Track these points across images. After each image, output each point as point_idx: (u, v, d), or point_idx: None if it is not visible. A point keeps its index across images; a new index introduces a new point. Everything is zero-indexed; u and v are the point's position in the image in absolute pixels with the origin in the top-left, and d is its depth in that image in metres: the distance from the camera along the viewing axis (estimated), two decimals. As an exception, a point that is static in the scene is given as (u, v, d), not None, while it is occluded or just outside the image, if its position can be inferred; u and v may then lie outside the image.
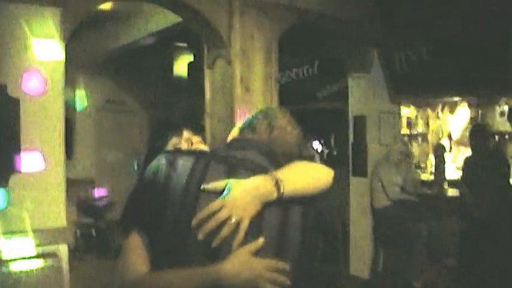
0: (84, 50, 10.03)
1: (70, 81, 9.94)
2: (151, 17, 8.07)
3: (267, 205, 1.86)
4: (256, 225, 1.84)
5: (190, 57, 11.27)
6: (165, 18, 7.59)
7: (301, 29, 7.00)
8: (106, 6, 7.12)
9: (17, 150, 4.71)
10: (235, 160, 1.97)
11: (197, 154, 2.04)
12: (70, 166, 10.08)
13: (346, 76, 8.22)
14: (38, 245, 4.74)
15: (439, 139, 9.76)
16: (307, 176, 2.01)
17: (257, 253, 1.81)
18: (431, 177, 8.98)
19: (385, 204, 7.57)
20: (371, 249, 8.00)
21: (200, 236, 1.77)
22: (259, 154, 2.03)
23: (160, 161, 1.95)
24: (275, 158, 2.05)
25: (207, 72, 6.59)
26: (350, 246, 8.12)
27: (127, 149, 11.35)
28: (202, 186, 1.84)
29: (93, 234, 9.63)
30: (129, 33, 8.92)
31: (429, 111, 9.93)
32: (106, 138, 11.48)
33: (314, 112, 10.31)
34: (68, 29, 5.03)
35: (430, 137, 9.97)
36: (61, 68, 5.01)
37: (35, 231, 4.71)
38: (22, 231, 4.68)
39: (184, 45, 10.93)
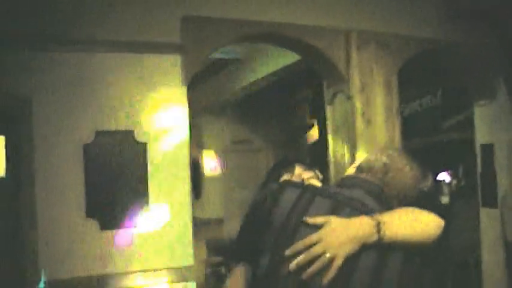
0: (209, 92, 10.35)
1: (196, 123, 10.29)
2: (270, 57, 8.21)
3: (365, 247, 1.81)
4: (350, 265, 1.80)
5: (311, 94, 11.34)
6: (284, 57, 7.70)
7: (422, 59, 6.90)
8: (224, 49, 7.33)
9: (145, 191, 4.92)
10: (342, 197, 1.94)
11: (304, 187, 2.04)
12: (199, 206, 10.37)
13: (471, 104, 7.98)
14: (167, 283, 4.90)
15: None
16: (413, 224, 1.92)
17: None
18: None
19: (518, 236, 7.23)
20: (505, 283, 7.63)
21: (292, 267, 1.77)
22: (367, 194, 1.99)
23: (267, 192, 1.99)
24: (384, 200, 2.01)
25: (327, 108, 6.62)
26: (483, 280, 7.79)
27: (255, 188, 11.47)
28: (303, 218, 1.84)
29: (222, 273, 9.77)
30: (250, 73, 9.11)
31: None
32: (234, 177, 11.68)
33: (440, 143, 10.08)
34: (189, 74, 5.24)
35: None
36: (185, 112, 5.21)
37: (163, 269, 4.89)
38: (151, 270, 4.87)
39: (304, 82, 11.04)
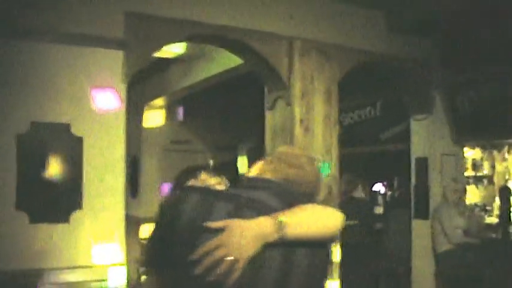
0: (151, 90, 10.30)
1: (136, 121, 10.21)
2: (213, 59, 8.21)
3: (269, 245, 1.86)
4: (256, 264, 1.85)
5: (252, 98, 11.35)
6: (228, 60, 7.71)
7: (362, 70, 7.02)
8: (168, 49, 7.31)
9: (79, 186, 4.87)
10: (243, 200, 1.97)
11: (205, 192, 2.07)
12: (135, 205, 10.28)
13: (408, 117, 8.16)
14: (97, 281, 4.85)
15: (506, 181, 9.52)
16: (314, 220, 1.98)
17: None
18: (497, 221, 8.75)
19: (447, 248, 7.40)
20: (434, 293, 7.81)
21: (197, 271, 1.80)
22: (270, 195, 2.02)
23: (170, 199, 2.05)
24: (288, 199, 2.03)
25: (267, 113, 6.66)
26: (413, 289, 7.96)
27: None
28: (204, 224, 1.86)
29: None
30: (192, 75, 9.08)
31: (495, 152, 9.71)
32: (171, 177, 11.63)
33: (377, 154, 10.25)
34: (130, 71, 5.21)
35: (496, 179, 9.72)
36: (123, 109, 5.17)
37: (94, 266, 4.83)
38: (82, 267, 4.81)
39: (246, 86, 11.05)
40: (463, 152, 8.47)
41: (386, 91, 9.19)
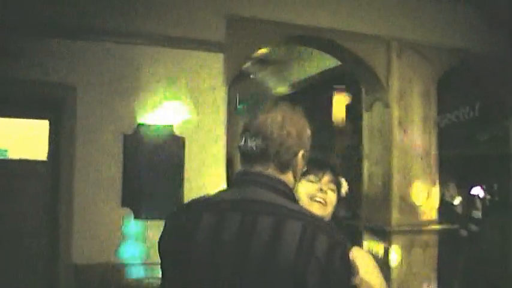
0: (247, 92, 10.43)
1: (230, 122, 10.38)
2: (310, 60, 8.24)
3: None
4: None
5: (348, 99, 11.29)
6: (324, 62, 7.73)
7: (461, 70, 6.88)
8: (266, 51, 7.39)
9: (181, 184, 5.00)
10: (226, 203, 1.71)
11: (195, 204, 1.77)
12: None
13: (508, 118, 7.92)
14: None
15: None
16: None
17: None
18: None
19: (550, 254, 7.16)
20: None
21: None
22: (262, 189, 1.73)
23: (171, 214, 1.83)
24: (279, 190, 1.73)
25: (364, 114, 6.64)
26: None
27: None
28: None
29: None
30: (289, 76, 9.15)
31: None
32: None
33: (475, 157, 9.99)
34: (231, 72, 5.30)
35: None
36: (223, 110, 5.28)
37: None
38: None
39: (343, 87, 11.00)
40: None
41: (485, 91, 8.94)
